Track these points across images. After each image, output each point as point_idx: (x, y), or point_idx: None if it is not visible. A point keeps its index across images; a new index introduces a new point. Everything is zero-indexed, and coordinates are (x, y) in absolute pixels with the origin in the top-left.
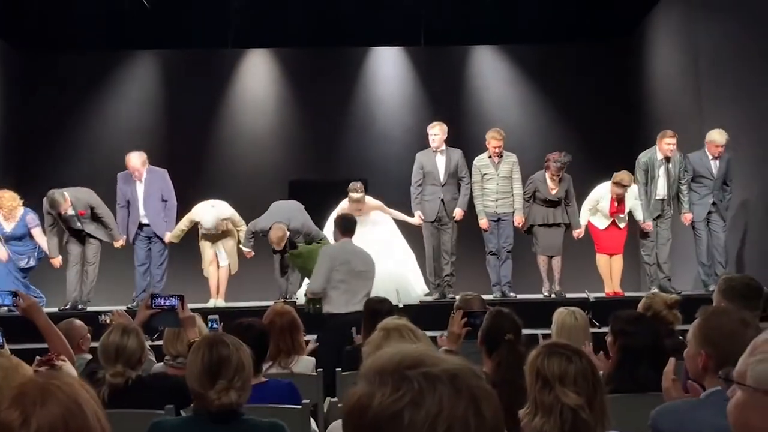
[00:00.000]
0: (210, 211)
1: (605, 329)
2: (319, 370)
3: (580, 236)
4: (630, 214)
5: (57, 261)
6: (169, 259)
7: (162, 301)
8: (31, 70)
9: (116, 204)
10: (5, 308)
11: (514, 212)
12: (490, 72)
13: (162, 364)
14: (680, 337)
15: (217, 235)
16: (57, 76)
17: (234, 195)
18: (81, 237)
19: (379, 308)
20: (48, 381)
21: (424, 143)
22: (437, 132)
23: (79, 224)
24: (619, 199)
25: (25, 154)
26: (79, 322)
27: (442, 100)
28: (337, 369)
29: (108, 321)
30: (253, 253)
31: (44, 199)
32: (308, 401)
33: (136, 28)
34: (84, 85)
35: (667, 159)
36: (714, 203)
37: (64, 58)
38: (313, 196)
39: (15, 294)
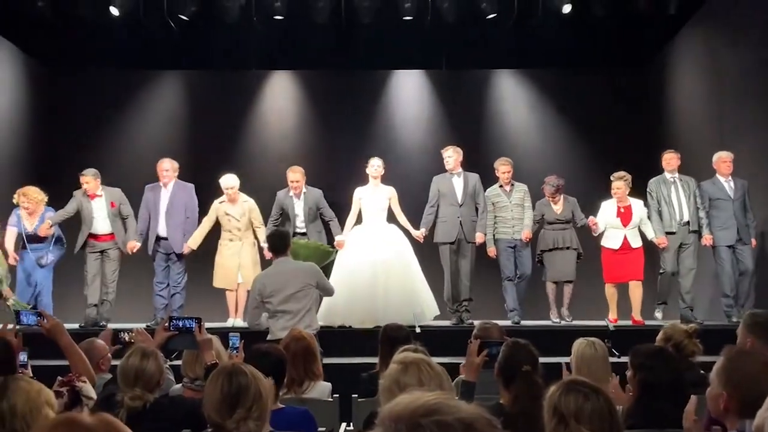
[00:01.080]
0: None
1: (625, 359)
2: (335, 395)
3: (596, 232)
4: (644, 237)
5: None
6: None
7: (180, 323)
8: (60, 87)
9: (138, 216)
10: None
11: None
12: (511, 96)
13: (180, 385)
14: (701, 371)
15: (237, 244)
16: (84, 94)
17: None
18: (100, 252)
19: (396, 336)
20: (74, 424)
21: (442, 167)
22: (451, 154)
23: (102, 214)
24: (622, 200)
25: (51, 169)
26: (100, 342)
27: (462, 123)
28: (353, 395)
29: (128, 339)
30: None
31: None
32: (323, 429)
33: (163, 48)
34: (110, 103)
35: (675, 180)
36: (738, 229)
37: (91, 76)
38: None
39: (39, 314)
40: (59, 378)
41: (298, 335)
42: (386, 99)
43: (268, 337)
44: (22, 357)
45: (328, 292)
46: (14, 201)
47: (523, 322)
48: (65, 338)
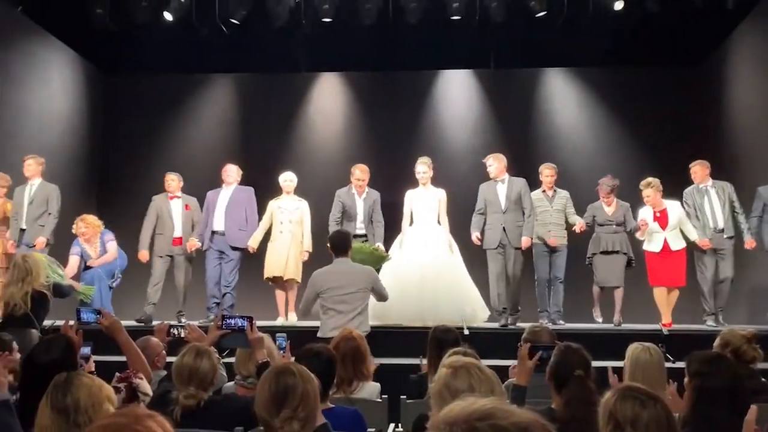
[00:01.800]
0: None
1: (681, 365)
2: (384, 396)
3: (642, 234)
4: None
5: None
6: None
7: (232, 322)
8: (116, 91)
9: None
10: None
11: (566, 244)
12: (561, 95)
13: (233, 383)
14: (763, 379)
15: (287, 237)
16: (140, 98)
17: None
18: (170, 257)
19: (444, 338)
20: (134, 423)
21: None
22: (492, 162)
23: (178, 215)
24: (656, 205)
25: (107, 172)
26: (155, 340)
27: (510, 123)
28: (401, 396)
29: (179, 334)
30: None
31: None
32: (373, 430)
33: (215, 52)
34: (165, 107)
35: (708, 188)
36: None
37: (146, 81)
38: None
39: (99, 312)
40: (117, 374)
41: (348, 335)
42: (434, 99)
43: (318, 335)
44: (86, 350)
45: (383, 297)
46: (73, 231)
47: (567, 325)
48: (123, 336)
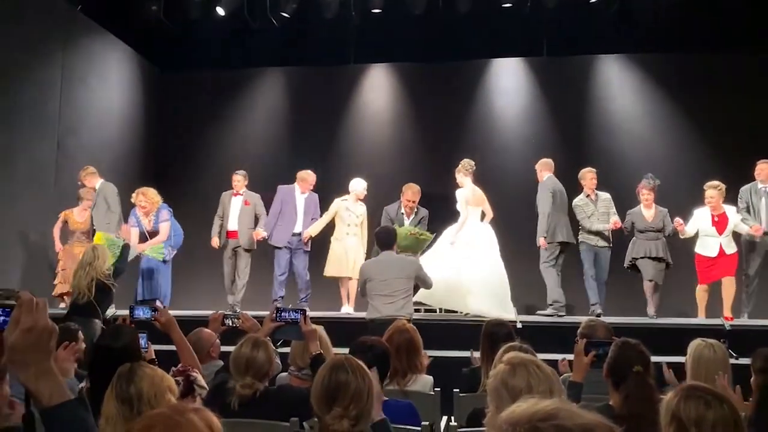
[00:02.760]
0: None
1: (744, 361)
2: (436, 389)
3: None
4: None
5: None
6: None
7: (286, 315)
8: (170, 87)
9: (270, 211)
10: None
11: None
12: (616, 82)
13: (287, 374)
14: None
15: (353, 239)
16: (191, 93)
17: None
18: (233, 250)
19: (497, 331)
20: (176, 415)
21: (544, 154)
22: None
23: (236, 211)
24: (716, 209)
25: (162, 166)
26: (207, 331)
27: (563, 111)
28: (455, 390)
29: (233, 324)
30: None
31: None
32: (427, 423)
33: (265, 45)
34: (216, 102)
35: (767, 190)
36: None
37: (198, 76)
38: (431, 209)
39: (155, 309)
40: (173, 368)
41: (402, 327)
42: (484, 89)
43: (366, 317)
44: (142, 341)
45: (427, 284)
46: (132, 200)
47: (623, 318)
48: (176, 333)
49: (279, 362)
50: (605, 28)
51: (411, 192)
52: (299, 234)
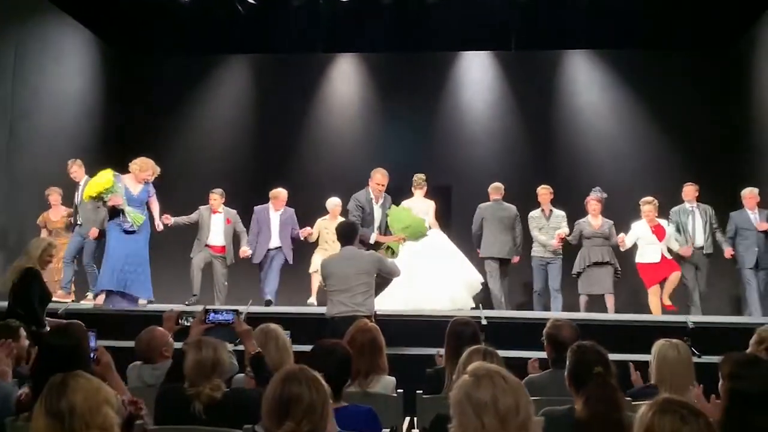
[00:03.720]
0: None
1: (708, 359)
2: (399, 390)
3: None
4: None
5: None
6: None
7: (217, 317)
8: (131, 71)
9: (250, 231)
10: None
11: (561, 257)
12: (583, 78)
13: (243, 375)
14: None
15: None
16: (154, 78)
17: (319, 196)
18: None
19: (462, 330)
20: None
21: (509, 152)
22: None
23: (219, 228)
24: (652, 221)
25: (122, 151)
26: (160, 330)
27: (532, 106)
28: (417, 392)
29: (189, 324)
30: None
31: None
32: (388, 430)
33: (230, 32)
34: (179, 87)
35: (694, 209)
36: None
37: (161, 61)
38: (397, 201)
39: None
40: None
41: (363, 327)
42: (453, 81)
43: (326, 315)
44: (92, 342)
45: (393, 273)
46: (137, 170)
47: (590, 314)
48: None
49: (236, 363)
50: (574, 23)
51: (380, 175)
52: (275, 249)
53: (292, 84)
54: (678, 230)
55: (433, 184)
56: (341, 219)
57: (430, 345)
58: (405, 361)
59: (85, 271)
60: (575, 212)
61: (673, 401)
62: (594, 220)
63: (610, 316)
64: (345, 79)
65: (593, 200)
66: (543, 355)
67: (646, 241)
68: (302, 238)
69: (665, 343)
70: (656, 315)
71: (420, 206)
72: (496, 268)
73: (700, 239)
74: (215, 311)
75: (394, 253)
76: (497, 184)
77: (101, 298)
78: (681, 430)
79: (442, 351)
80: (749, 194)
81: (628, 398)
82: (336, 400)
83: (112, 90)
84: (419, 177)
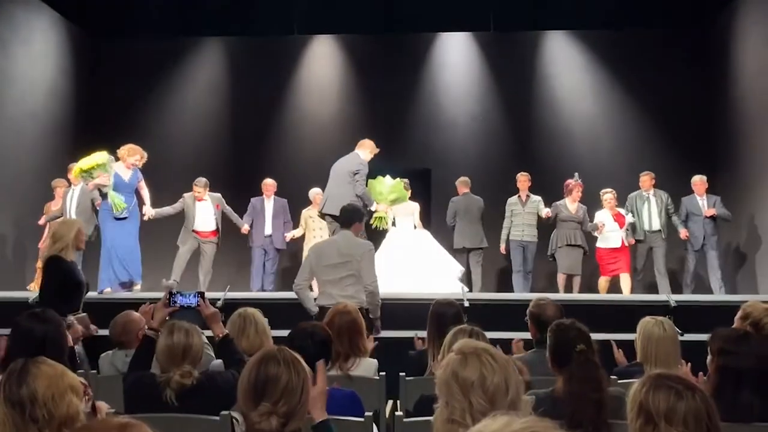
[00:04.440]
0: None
1: (690, 337)
2: (381, 373)
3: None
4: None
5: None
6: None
7: (182, 300)
8: (101, 55)
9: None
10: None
11: (537, 241)
12: (563, 58)
13: (220, 361)
14: None
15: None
16: (126, 61)
17: (295, 180)
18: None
19: (444, 312)
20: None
21: (487, 132)
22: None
23: (208, 215)
24: (613, 209)
25: (94, 137)
26: (137, 314)
27: (511, 87)
28: (401, 373)
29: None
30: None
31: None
32: (371, 414)
33: (204, 14)
34: (152, 71)
35: (650, 196)
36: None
37: (133, 44)
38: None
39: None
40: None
41: (342, 309)
42: (432, 63)
43: (316, 302)
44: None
45: (368, 278)
46: (125, 155)
47: (572, 295)
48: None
49: (212, 353)
50: (554, 3)
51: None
52: (270, 236)
53: (268, 67)
54: (633, 214)
55: (412, 168)
56: None
57: (410, 328)
58: (385, 344)
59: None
60: (555, 195)
61: (668, 376)
62: (571, 205)
63: (593, 296)
64: (321, 61)
65: (578, 186)
66: (528, 336)
67: (608, 227)
68: (288, 240)
69: (650, 320)
70: (639, 295)
71: (405, 209)
72: (464, 255)
73: (656, 223)
74: (181, 294)
75: (383, 221)
76: (464, 178)
77: (108, 292)
78: (676, 407)
79: (421, 333)
80: (699, 181)
81: (614, 377)
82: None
83: (83, 74)
84: (403, 182)
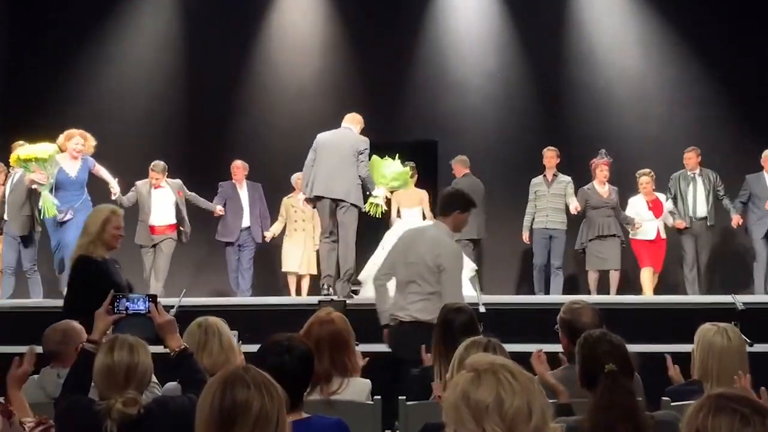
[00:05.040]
0: None
1: (762, 348)
2: (376, 397)
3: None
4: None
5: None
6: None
7: (128, 304)
8: (25, 2)
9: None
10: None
11: (565, 229)
12: (600, 3)
13: (176, 383)
14: None
15: (302, 234)
16: (56, 11)
17: (269, 158)
18: (153, 247)
19: (453, 319)
20: None
21: (511, 93)
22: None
23: (167, 205)
24: (649, 194)
25: (25, 95)
26: (78, 326)
27: (536, 37)
28: (400, 397)
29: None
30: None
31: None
32: None
33: None
34: (88, 23)
35: (695, 176)
36: None
37: None
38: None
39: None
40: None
41: (324, 317)
42: (436, 10)
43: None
44: None
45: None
46: (59, 143)
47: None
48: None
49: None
50: None
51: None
52: (248, 228)
53: (230, 15)
54: (676, 199)
55: (414, 140)
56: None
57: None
58: (380, 360)
59: (26, 278)
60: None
61: (731, 397)
62: (601, 188)
63: (638, 298)
64: (298, 9)
65: (602, 164)
66: (558, 348)
67: (642, 217)
68: (220, 214)
69: (711, 328)
70: (697, 296)
71: (411, 197)
72: (471, 250)
73: (702, 209)
74: (127, 298)
75: (378, 208)
76: (462, 157)
77: None
78: None
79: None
80: None
81: (666, 398)
82: (295, 411)
83: (12, 24)
84: (408, 165)
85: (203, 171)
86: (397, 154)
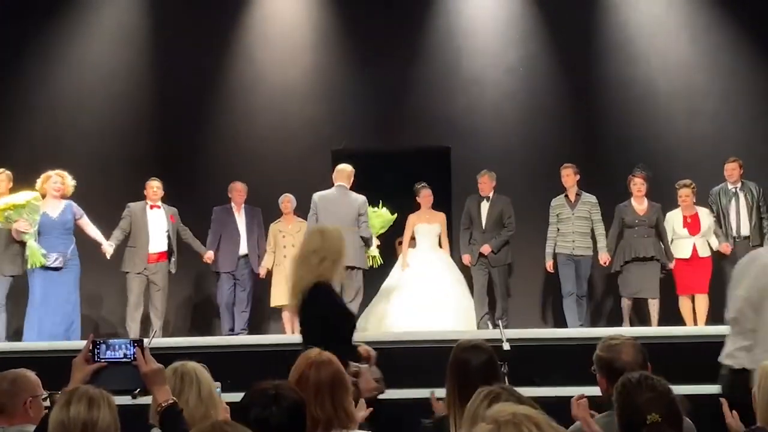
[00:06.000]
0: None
1: None
2: None
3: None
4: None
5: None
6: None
7: (112, 353)
8: None
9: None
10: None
11: (592, 255)
12: None
13: None
14: None
15: (286, 265)
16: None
17: (252, 172)
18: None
19: (469, 359)
20: None
21: (532, 91)
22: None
23: (161, 229)
24: (688, 209)
25: None
26: (33, 377)
27: (565, 24)
28: None
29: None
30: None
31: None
32: None
33: None
34: (44, 18)
35: (737, 191)
36: None
37: None
38: (368, 174)
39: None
40: None
41: (317, 359)
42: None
43: None
44: None
45: None
46: (37, 187)
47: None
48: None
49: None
50: None
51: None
52: (246, 256)
53: (204, 6)
54: (718, 217)
55: (424, 147)
56: (299, 220)
57: (423, 384)
58: (387, 408)
59: None
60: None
61: None
62: (638, 204)
63: (684, 330)
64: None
65: (638, 178)
66: (596, 391)
67: (677, 234)
68: (209, 261)
69: None
70: None
71: (428, 220)
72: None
73: (745, 228)
74: (107, 344)
75: (375, 259)
76: (490, 172)
77: None
78: None
79: (439, 392)
80: None
81: None
82: None
83: None
84: (420, 186)
85: (174, 185)
86: (384, 208)
